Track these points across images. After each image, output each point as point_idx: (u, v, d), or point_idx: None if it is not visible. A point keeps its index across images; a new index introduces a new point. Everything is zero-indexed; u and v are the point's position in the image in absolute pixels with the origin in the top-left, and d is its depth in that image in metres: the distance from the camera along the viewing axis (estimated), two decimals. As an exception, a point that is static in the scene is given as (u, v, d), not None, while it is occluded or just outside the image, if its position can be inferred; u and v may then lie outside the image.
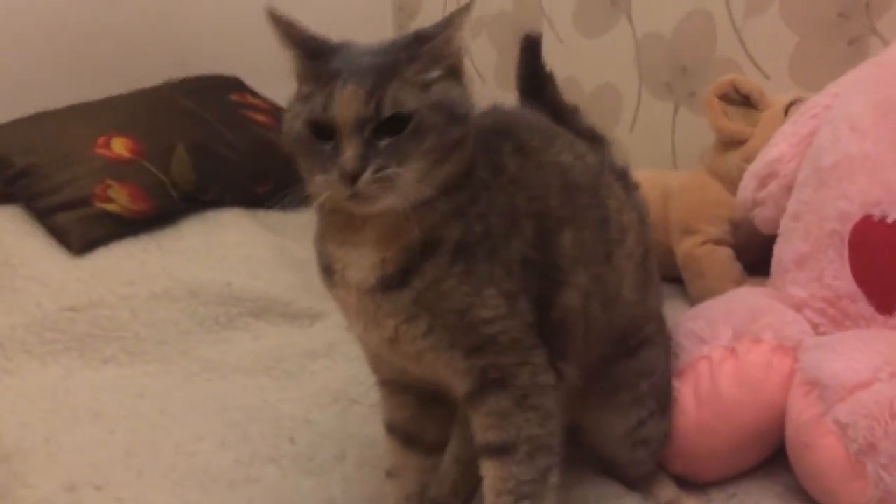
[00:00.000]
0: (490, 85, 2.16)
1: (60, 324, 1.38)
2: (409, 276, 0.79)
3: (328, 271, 0.84)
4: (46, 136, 1.72)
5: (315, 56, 0.78)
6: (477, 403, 0.83)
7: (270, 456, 1.10)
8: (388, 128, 0.74)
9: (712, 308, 1.13)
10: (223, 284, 1.49)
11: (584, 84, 1.90)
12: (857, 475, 0.88)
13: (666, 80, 1.74)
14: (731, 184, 1.37)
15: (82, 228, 1.58)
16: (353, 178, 0.73)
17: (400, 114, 0.74)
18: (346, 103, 0.74)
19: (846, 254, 1.04)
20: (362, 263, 0.80)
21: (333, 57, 0.77)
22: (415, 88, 0.75)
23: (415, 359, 0.84)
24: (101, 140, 1.71)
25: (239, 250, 1.61)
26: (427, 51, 0.76)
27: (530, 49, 1.05)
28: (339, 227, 0.82)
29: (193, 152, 1.76)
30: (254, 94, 2.05)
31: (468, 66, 2.21)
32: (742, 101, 1.43)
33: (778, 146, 1.21)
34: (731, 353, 1.02)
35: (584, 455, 1.03)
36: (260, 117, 1.95)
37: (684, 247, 1.45)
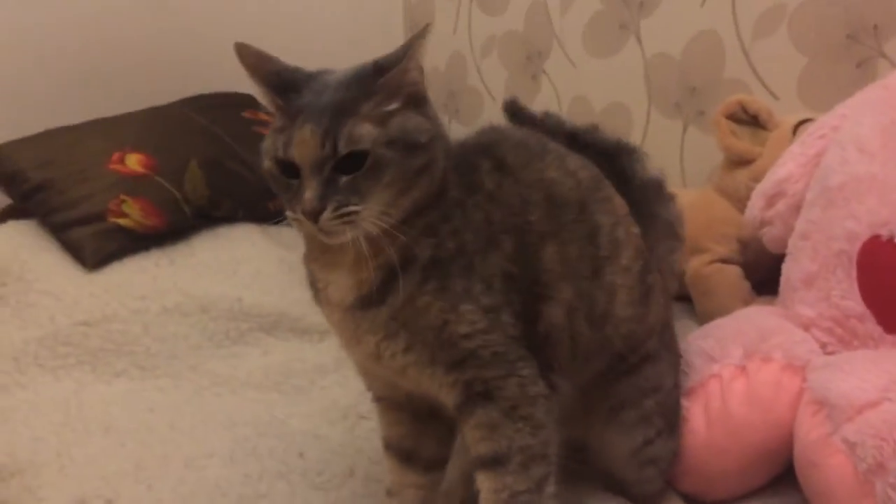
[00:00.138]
0: (500, 104, 2.17)
1: (73, 338, 1.39)
2: (385, 294, 0.80)
3: (314, 289, 0.87)
4: (62, 151, 1.74)
5: (283, 90, 0.80)
6: (466, 416, 0.84)
7: (279, 471, 1.10)
8: (347, 165, 0.75)
9: (722, 327, 1.13)
10: (234, 300, 1.50)
11: (594, 103, 1.90)
12: (865, 494, 0.88)
13: (675, 100, 1.75)
14: (740, 202, 1.38)
15: (96, 243, 1.59)
16: (314, 216, 0.74)
17: (356, 151, 0.75)
18: (304, 144, 0.75)
19: (854, 273, 1.04)
20: (341, 283, 0.82)
21: (302, 90, 0.79)
22: (372, 124, 0.76)
23: (400, 374, 0.85)
24: (116, 156, 1.73)
25: (250, 266, 1.63)
26: (383, 84, 0.77)
27: (513, 113, 1.08)
28: (320, 249, 0.84)
29: (206, 168, 1.78)
30: (266, 111, 2.06)
31: (478, 85, 2.24)
32: (750, 120, 1.44)
33: (786, 166, 1.21)
34: (742, 371, 1.02)
35: (591, 472, 1.03)
36: (272, 134, 1.97)
37: (693, 265, 1.45)
